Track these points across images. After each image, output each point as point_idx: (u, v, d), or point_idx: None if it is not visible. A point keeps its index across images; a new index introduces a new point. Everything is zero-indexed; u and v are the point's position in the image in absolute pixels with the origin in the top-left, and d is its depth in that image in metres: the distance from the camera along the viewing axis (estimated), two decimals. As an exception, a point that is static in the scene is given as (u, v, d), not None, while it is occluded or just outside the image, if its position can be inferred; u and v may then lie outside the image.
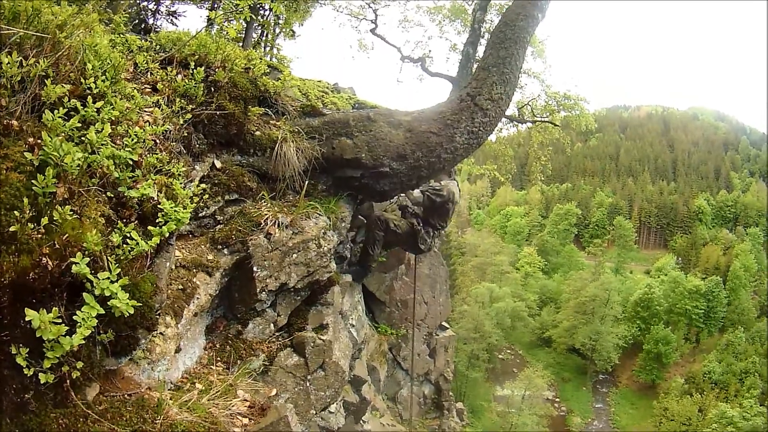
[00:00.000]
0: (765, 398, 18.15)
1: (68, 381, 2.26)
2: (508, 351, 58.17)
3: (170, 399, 3.01)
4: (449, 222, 7.18)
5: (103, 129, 2.65)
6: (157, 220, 2.83)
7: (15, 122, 2.40)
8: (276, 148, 5.27)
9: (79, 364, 2.24)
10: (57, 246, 2.17)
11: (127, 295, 2.29)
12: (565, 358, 58.09)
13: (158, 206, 2.88)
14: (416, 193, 6.45)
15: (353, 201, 6.70)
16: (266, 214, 4.93)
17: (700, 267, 79.69)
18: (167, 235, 2.87)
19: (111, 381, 2.76)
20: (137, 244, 2.55)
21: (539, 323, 60.46)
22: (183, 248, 4.10)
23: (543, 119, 15.82)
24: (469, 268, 59.98)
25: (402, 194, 7.33)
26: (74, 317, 2.15)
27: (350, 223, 7.97)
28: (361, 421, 15.68)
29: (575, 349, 56.59)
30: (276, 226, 4.94)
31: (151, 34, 5.02)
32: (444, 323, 23.76)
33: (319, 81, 9.69)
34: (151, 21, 10.16)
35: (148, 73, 4.09)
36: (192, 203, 3.09)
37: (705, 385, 42.63)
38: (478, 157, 21.14)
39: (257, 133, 5.31)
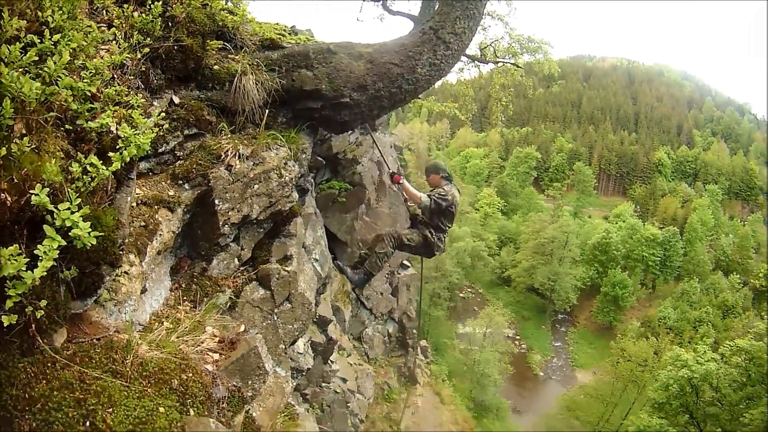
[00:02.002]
0: (717, 347, 20.25)
1: (33, 326, 2.21)
2: (469, 290, 59.83)
3: (138, 338, 3.01)
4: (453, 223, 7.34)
5: (61, 58, 2.51)
6: (117, 147, 2.71)
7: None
8: (235, 82, 5.12)
9: (43, 303, 2.19)
10: (15, 181, 2.07)
11: (89, 224, 2.22)
12: (524, 297, 60.23)
13: (118, 138, 2.76)
14: (425, 198, 6.43)
15: (314, 133, 6.66)
16: (227, 147, 4.83)
17: (658, 217, 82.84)
18: (128, 160, 2.76)
19: (78, 326, 2.72)
20: (98, 172, 2.44)
21: (499, 263, 62.07)
22: (143, 186, 3.97)
23: (506, 61, 15.67)
24: None
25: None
26: (36, 252, 2.07)
27: (310, 161, 7.89)
28: (329, 361, 16.30)
29: (534, 289, 58.76)
30: (237, 157, 4.86)
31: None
32: (405, 262, 24.50)
33: (276, 24, 9.17)
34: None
35: (104, 11, 3.88)
36: (152, 132, 2.95)
37: (660, 329, 44.66)
38: (439, 99, 20.99)
39: (216, 67, 5.14)
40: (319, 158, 11.38)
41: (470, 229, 54.94)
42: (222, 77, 5.12)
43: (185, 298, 4.63)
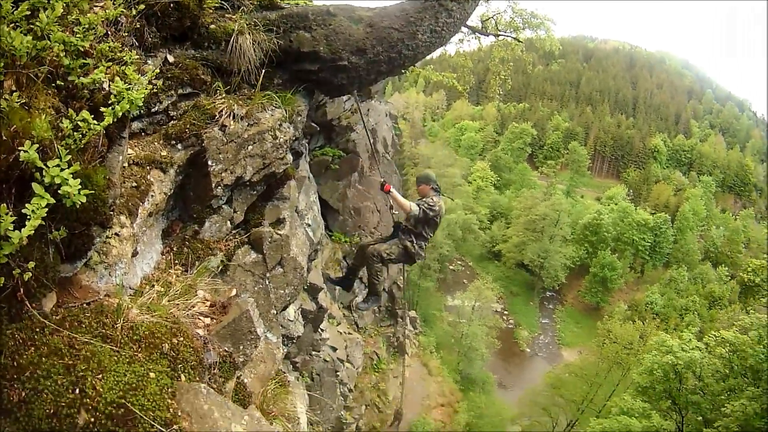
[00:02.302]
0: (702, 336, 20.58)
1: (22, 289, 2.14)
2: (459, 262, 60.13)
3: (129, 302, 2.95)
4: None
5: (53, 12, 2.39)
6: (109, 102, 2.60)
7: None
8: (231, 41, 4.97)
9: (31, 265, 2.11)
10: (4, 137, 1.97)
11: (79, 182, 2.13)
12: (513, 273, 60.65)
13: (110, 95, 2.64)
14: (414, 207, 6.45)
15: (310, 96, 6.54)
16: (221, 107, 4.71)
17: (651, 202, 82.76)
18: (120, 116, 2.65)
19: (68, 291, 2.65)
20: (89, 128, 2.33)
21: (489, 237, 62.16)
22: (136, 146, 3.86)
23: (507, 34, 15.38)
24: None
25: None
26: (24, 212, 1.99)
27: (304, 126, 7.75)
28: (319, 329, 16.42)
29: (524, 265, 59.09)
30: (231, 117, 4.75)
31: None
32: (396, 232, 24.54)
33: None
34: None
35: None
36: (145, 89, 2.84)
37: (647, 314, 44.83)
38: (437, 70, 20.71)
39: (212, 26, 4.98)
40: (313, 124, 11.20)
41: (462, 202, 54.81)
42: (218, 36, 4.96)
43: (177, 261, 4.57)
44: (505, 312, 53.49)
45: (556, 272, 55.87)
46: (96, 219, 2.51)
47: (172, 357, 2.81)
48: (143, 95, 2.72)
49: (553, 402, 28.01)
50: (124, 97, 2.59)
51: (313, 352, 15.88)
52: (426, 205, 6.54)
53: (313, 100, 7.86)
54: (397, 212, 7.10)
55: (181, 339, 3.04)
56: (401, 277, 25.43)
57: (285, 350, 10.15)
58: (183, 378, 2.81)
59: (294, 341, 12.55)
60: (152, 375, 2.49)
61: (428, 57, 7.38)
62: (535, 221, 57.39)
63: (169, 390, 2.52)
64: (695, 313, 51.08)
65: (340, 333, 19.33)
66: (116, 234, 3.07)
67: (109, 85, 2.68)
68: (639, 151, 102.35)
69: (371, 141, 9.43)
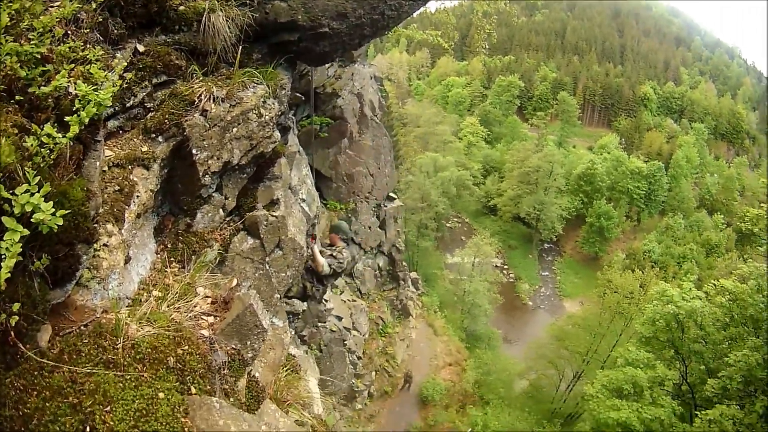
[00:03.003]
0: (701, 284, 20.82)
1: (12, 333, 1.98)
2: (455, 219, 60.23)
3: (127, 316, 2.80)
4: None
5: None
6: (74, 108, 2.36)
7: None
8: (203, 21, 4.66)
9: (16, 306, 1.94)
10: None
11: (51, 204, 1.93)
12: (510, 227, 60.67)
13: (76, 99, 2.39)
14: (326, 268, 7.47)
15: (292, 67, 6.32)
16: (199, 91, 4.45)
17: (643, 150, 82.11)
18: (87, 122, 2.42)
19: (63, 316, 2.49)
20: (55, 143, 2.11)
21: (484, 192, 61.83)
22: (114, 146, 3.61)
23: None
24: (412, 139, 58.80)
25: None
26: (-2, 253, 1.79)
27: (289, 97, 7.45)
28: (323, 300, 16.46)
29: (520, 218, 59.12)
30: (211, 101, 4.51)
31: None
32: (391, 194, 24.37)
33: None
34: None
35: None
36: (115, 86, 2.58)
37: (645, 262, 44.78)
38: (419, 28, 20.04)
39: (181, 7, 4.63)
40: (298, 94, 10.81)
41: (454, 159, 54.17)
42: (189, 17, 4.63)
43: (172, 258, 4.40)
44: (505, 266, 53.84)
45: (553, 224, 55.91)
46: (79, 237, 2.33)
47: (179, 369, 2.69)
48: (111, 94, 2.48)
49: (558, 354, 28.37)
50: (90, 101, 2.34)
51: (319, 324, 15.98)
52: (336, 262, 7.59)
53: (296, 71, 7.53)
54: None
55: (186, 347, 2.91)
56: (400, 240, 25.43)
57: (292, 332, 10.14)
58: (193, 390, 2.69)
59: (299, 316, 12.58)
60: (161, 395, 2.36)
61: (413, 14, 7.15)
62: (528, 174, 57.02)
63: (181, 408, 2.40)
64: (693, 261, 51.52)
65: (344, 301, 19.45)
66: (105, 245, 2.88)
67: (74, 87, 2.43)
68: (629, 99, 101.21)
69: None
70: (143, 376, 2.42)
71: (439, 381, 23.99)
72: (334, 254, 7.68)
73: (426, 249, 40.32)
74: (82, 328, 2.46)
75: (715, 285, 15.47)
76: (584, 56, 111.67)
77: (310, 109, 13.87)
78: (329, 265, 7.48)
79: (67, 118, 2.27)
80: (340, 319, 17.95)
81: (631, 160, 67.95)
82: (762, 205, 54.56)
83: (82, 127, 2.37)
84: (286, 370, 5.05)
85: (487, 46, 17.47)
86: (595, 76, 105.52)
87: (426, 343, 25.68)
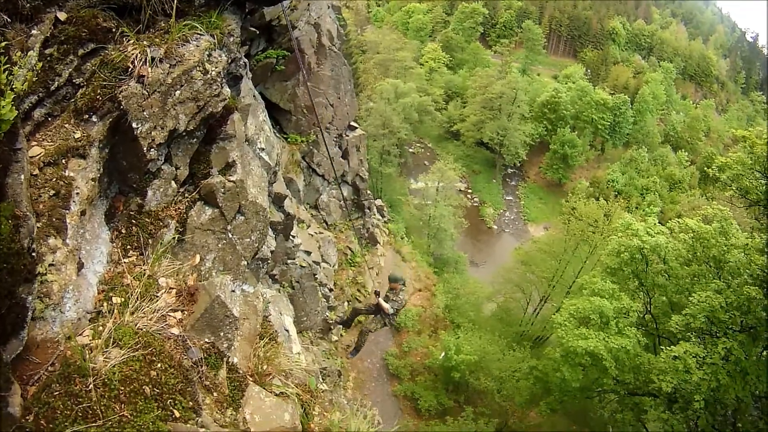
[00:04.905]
0: (664, 216, 21.02)
1: None
2: (418, 145, 59.84)
3: (92, 339, 2.53)
4: None
5: None
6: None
7: None
8: (129, -35, 3.91)
9: None
10: None
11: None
12: (474, 151, 60.64)
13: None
14: (390, 310, 9.87)
15: (240, 8, 5.69)
16: (133, 54, 3.86)
17: (609, 83, 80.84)
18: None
19: (27, 359, 2.22)
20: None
21: (446, 117, 61.02)
22: (42, 140, 3.08)
23: None
24: (372, 66, 56.32)
25: None
26: None
27: (241, 35, 6.75)
28: (291, 237, 16.25)
29: (483, 143, 59.02)
30: (147, 64, 3.94)
31: None
32: (352, 123, 23.68)
33: None
34: None
35: None
36: (33, 71, 2.12)
37: (609, 192, 46.12)
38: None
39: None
40: (251, 28, 9.86)
41: (416, 85, 52.37)
42: (113, -30, 3.87)
43: (128, 246, 4.06)
44: (469, 191, 54.66)
45: (517, 149, 56.09)
46: (17, 279, 2.02)
47: (157, 395, 2.52)
48: (10, 106, 2.03)
49: (524, 279, 29.16)
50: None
51: (289, 261, 15.95)
52: (397, 304, 9.73)
53: (246, 8, 6.76)
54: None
55: (159, 365, 2.72)
56: (363, 168, 25.10)
57: (263, 271, 9.98)
58: (177, 413, 2.54)
59: (269, 261, 12.42)
60: (146, 432, 2.20)
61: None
62: (491, 100, 56.17)
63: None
64: (656, 193, 52.95)
65: (311, 235, 19.38)
66: (51, 264, 2.55)
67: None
68: (596, 32, 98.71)
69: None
70: (124, 415, 2.24)
71: (410, 307, 24.75)
72: (394, 298, 9.74)
73: (389, 175, 40.04)
74: (49, 370, 2.21)
75: (679, 223, 15.81)
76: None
77: (264, 43, 12.89)
78: (392, 308, 9.63)
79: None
80: (309, 253, 17.97)
81: (597, 91, 67.45)
82: (728, 149, 54.64)
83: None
84: (265, 341, 4.92)
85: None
86: (562, 7, 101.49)
87: (395, 269, 26.26)
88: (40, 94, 3.07)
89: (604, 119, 64.57)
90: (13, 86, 2.25)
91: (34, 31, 3.02)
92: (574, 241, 26.18)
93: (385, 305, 9.60)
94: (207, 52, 4.50)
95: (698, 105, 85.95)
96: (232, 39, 5.45)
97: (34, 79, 2.78)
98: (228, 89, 5.16)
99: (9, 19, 2.84)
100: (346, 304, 20.53)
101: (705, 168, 48.63)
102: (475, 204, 52.29)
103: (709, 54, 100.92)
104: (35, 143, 2.94)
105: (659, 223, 17.20)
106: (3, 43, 2.26)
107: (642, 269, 16.02)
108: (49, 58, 3.08)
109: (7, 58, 2.22)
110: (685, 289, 14.98)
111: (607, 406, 17.08)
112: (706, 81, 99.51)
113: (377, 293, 9.93)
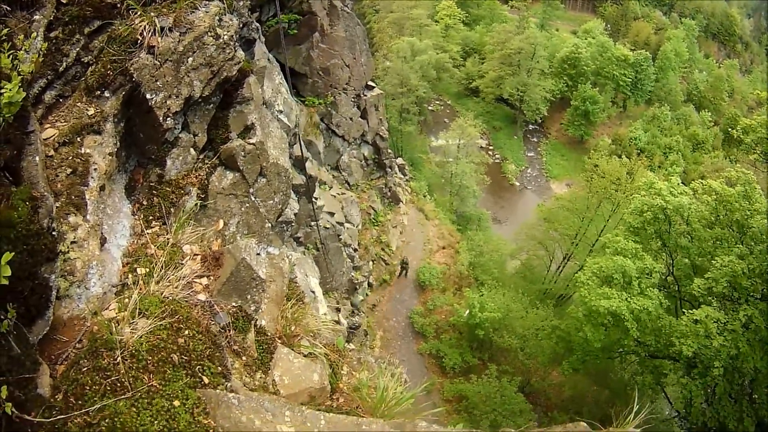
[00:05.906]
0: (687, 177, 20.25)
1: (13, 412, 1.81)
2: (437, 102, 58.30)
3: (118, 312, 2.60)
4: None
5: None
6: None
7: None
8: (129, -62, 3.81)
9: (4, 392, 1.76)
10: None
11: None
12: (494, 108, 58.79)
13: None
14: None
15: None
16: (141, 26, 3.81)
17: (630, 39, 75.63)
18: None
19: (54, 338, 2.30)
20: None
21: (465, 74, 59.13)
22: (55, 121, 3.10)
23: None
24: (386, 25, 55.05)
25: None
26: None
27: (250, 1, 6.61)
28: (314, 199, 16.36)
29: (503, 99, 57.15)
30: (157, 34, 3.90)
31: None
32: (370, 83, 23.29)
33: None
34: None
35: None
36: (39, 53, 2.11)
37: (631, 149, 44.28)
38: None
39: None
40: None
41: (432, 42, 50.70)
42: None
43: (151, 217, 4.13)
44: (491, 147, 53.33)
45: (537, 105, 54.19)
46: (39, 260, 2.07)
47: (186, 363, 2.59)
48: (17, 86, 2.02)
49: (547, 236, 28.84)
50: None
51: (313, 223, 16.15)
52: None
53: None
54: None
55: (187, 332, 2.79)
56: (383, 127, 24.84)
57: (287, 234, 10.13)
58: (206, 379, 2.62)
59: (292, 224, 12.58)
60: (177, 403, 2.28)
61: None
62: (510, 55, 53.84)
63: (200, 409, 2.33)
64: (679, 153, 50.94)
65: (334, 196, 19.50)
66: (72, 242, 2.61)
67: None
68: None
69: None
70: (153, 386, 2.31)
71: (434, 265, 24.85)
72: None
73: (410, 134, 39.48)
74: (77, 347, 2.30)
75: (702, 184, 15.41)
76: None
77: (276, 8, 12.63)
78: None
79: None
80: (332, 214, 18.13)
81: (617, 47, 63.49)
82: (752, 111, 52.10)
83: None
84: (292, 303, 5.02)
85: None
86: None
87: (418, 228, 26.29)
88: (49, 76, 3.07)
89: (625, 75, 61.34)
90: (19, 70, 2.22)
91: (36, 17, 2.99)
92: (597, 199, 25.64)
93: None
94: (217, 17, 4.44)
95: (721, 65, 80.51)
96: (242, 3, 5.35)
97: (41, 60, 2.75)
98: (242, 52, 5.09)
99: (9, 8, 2.83)
100: (371, 263, 20.81)
101: (728, 129, 46.84)
102: (496, 161, 51.04)
103: (732, 13, 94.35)
104: (48, 125, 2.97)
105: (682, 183, 16.69)
106: (5, 30, 2.21)
107: (665, 230, 15.73)
108: (54, 40, 3.07)
109: (10, 44, 2.19)
110: (707, 252, 14.67)
111: (627, 368, 17.20)
112: (730, 40, 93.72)
113: None
